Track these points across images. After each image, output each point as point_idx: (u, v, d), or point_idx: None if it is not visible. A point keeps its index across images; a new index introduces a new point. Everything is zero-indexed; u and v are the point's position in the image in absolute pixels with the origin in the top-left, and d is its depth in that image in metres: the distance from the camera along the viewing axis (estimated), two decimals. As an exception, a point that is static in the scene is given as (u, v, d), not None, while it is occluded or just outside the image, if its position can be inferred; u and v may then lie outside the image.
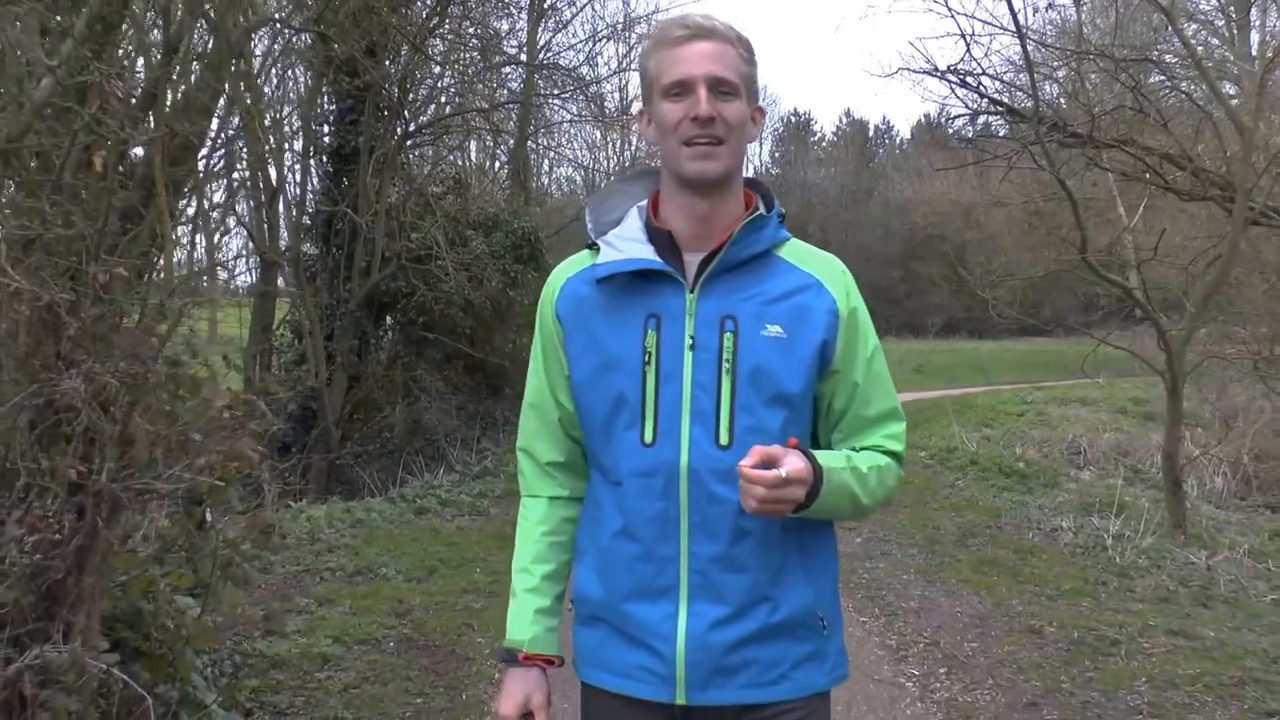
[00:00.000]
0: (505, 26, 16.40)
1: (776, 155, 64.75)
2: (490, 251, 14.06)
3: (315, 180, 14.78)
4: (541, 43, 17.60)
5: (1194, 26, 14.31)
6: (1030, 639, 6.40)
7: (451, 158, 16.74)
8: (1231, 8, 12.07)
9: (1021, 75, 9.65)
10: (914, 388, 26.51)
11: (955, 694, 5.58)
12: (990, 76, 10.68)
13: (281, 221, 13.24)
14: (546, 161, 23.85)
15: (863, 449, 2.26)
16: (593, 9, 17.68)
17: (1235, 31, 12.91)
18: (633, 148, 29.10)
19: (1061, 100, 11.48)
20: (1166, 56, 11.71)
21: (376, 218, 12.14)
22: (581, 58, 20.29)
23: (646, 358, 2.15)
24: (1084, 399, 20.96)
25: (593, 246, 2.28)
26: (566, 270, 2.32)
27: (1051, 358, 32.02)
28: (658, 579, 2.17)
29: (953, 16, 9.13)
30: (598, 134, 25.92)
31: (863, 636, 6.52)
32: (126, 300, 3.63)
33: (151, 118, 4.66)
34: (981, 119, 11.79)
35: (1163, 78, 11.54)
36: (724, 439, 2.13)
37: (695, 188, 2.17)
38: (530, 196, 18.20)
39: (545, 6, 16.94)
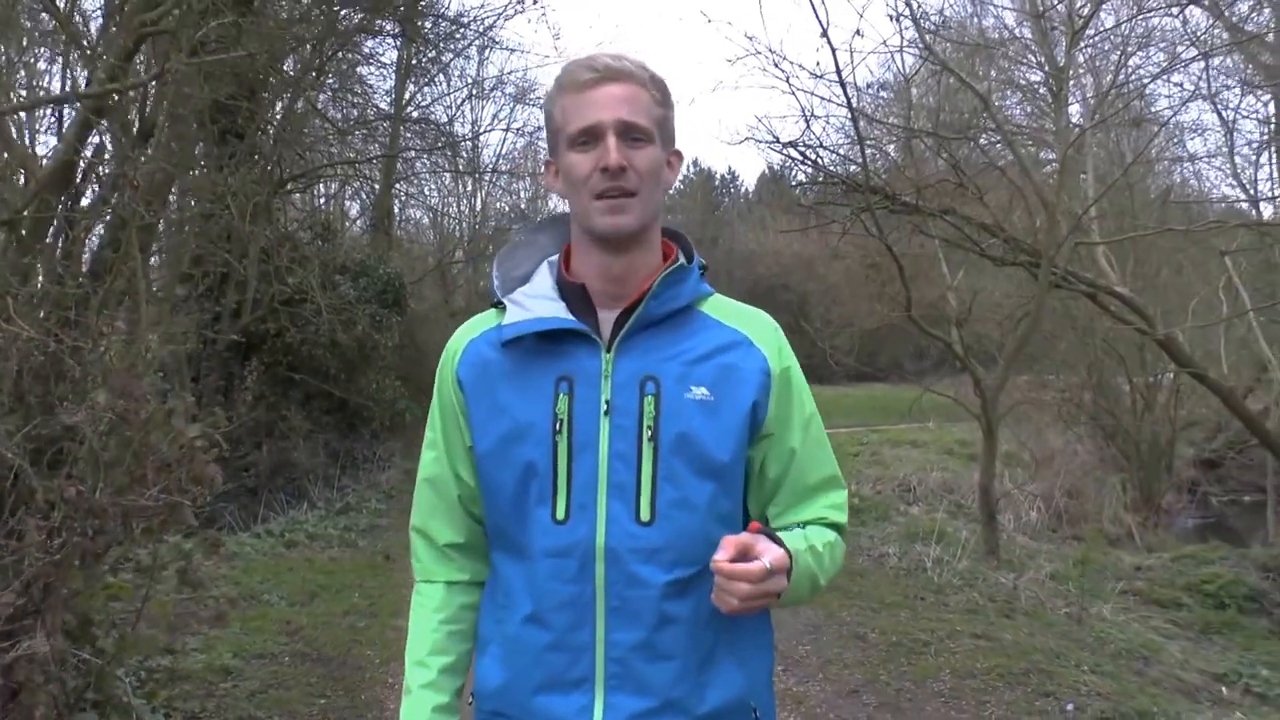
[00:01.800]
0: (375, 83, 17.06)
1: None
2: (358, 296, 14.68)
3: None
4: (408, 97, 18.36)
5: (1017, 97, 15.61)
6: (855, 642, 7.42)
7: (321, 204, 17.33)
8: (1051, 81, 13.27)
9: (856, 148, 10.70)
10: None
11: (790, 685, 6.48)
12: (827, 149, 11.78)
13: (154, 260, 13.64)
14: (408, 210, 24.48)
15: (806, 523, 2.11)
16: (460, 67, 18.23)
17: (1055, 102, 14.17)
18: (483, 192, 29.88)
19: (888, 170, 12.59)
20: (991, 129, 12.93)
21: (250, 262, 12.65)
22: (446, 113, 21.01)
23: (558, 425, 1.97)
24: (915, 441, 22.47)
25: (499, 305, 2.11)
26: (469, 332, 2.15)
27: (886, 402, 33.29)
28: (571, 669, 1.98)
29: (794, 94, 10.19)
30: (457, 184, 26.60)
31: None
32: (118, 347, 4.28)
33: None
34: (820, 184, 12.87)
35: (988, 148, 12.78)
36: (645, 515, 1.96)
37: (608, 243, 2.01)
38: (393, 243, 18.85)
39: (412, 64, 17.66)
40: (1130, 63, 13.14)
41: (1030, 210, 11.31)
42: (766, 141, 10.99)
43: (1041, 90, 14.17)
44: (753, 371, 2.03)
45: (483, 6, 13.95)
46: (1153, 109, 14.76)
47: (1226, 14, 11.55)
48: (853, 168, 10.85)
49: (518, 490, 2.01)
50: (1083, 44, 11.70)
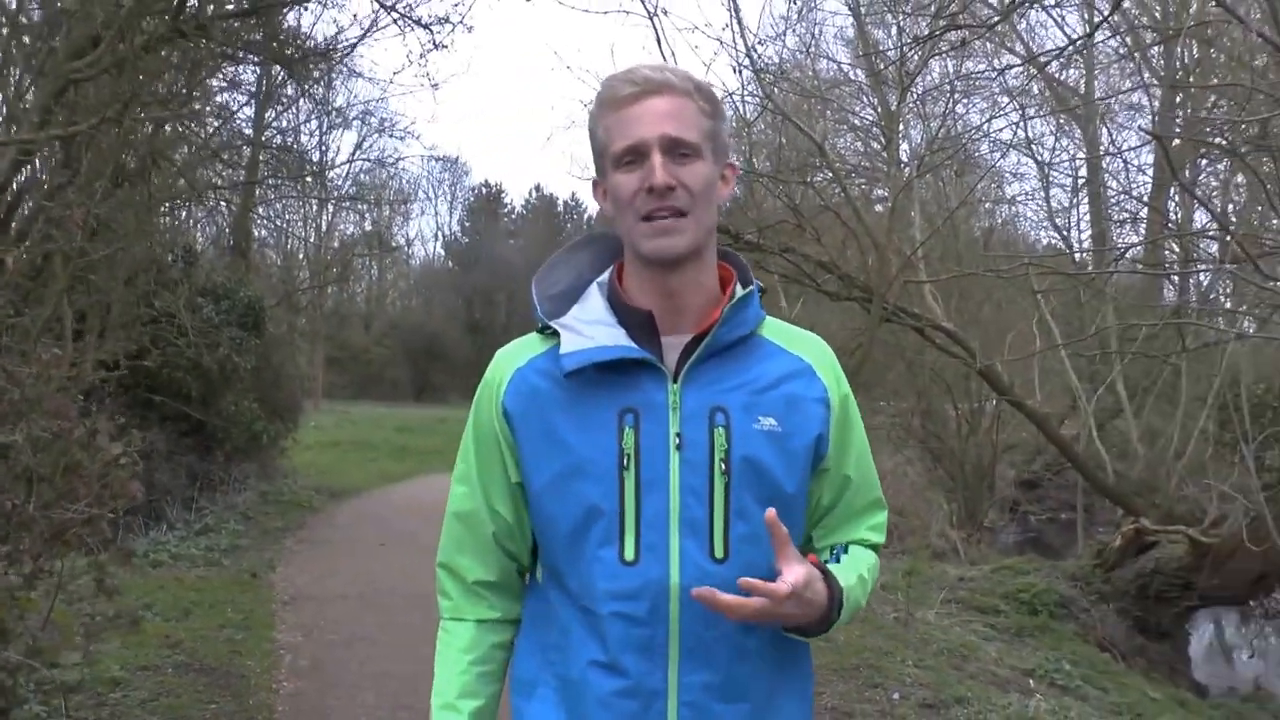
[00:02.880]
0: (236, 108, 17.30)
1: (466, 225, 65.84)
2: (221, 320, 14.90)
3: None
4: (269, 121, 18.67)
5: (852, 136, 16.52)
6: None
7: (183, 227, 17.48)
8: (883, 125, 14.15)
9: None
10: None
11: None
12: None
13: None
14: (265, 233, 24.62)
15: (850, 543, 2.10)
16: (323, 93, 18.54)
17: (887, 147, 15.05)
18: (329, 214, 30.11)
19: (731, 209, 13.35)
20: (826, 172, 13.80)
21: (116, 284, 12.82)
22: (305, 139, 21.33)
23: (625, 461, 1.88)
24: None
25: (545, 330, 2.01)
26: (514, 359, 2.02)
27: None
28: (644, 715, 1.88)
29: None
30: (303, 207, 26.81)
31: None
32: (50, 370, 4.71)
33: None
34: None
35: (825, 188, 13.63)
36: (719, 551, 1.88)
37: (659, 266, 1.91)
38: (250, 266, 19.06)
39: (274, 90, 17.96)
40: (957, 109, 14.18)
41: (863, 249, 12.21)
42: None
43: (875, 130, 15.12)
44: (816, 402, 1.98)
45: (340, 34, 14.21)
46: (977, 153, 15.64)
47: (1047, 68, 12.58)
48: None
49: (576, 529, 1.91)
50: (912, 92, 12.61)
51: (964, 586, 12.02)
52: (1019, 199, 19.18)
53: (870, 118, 15.30)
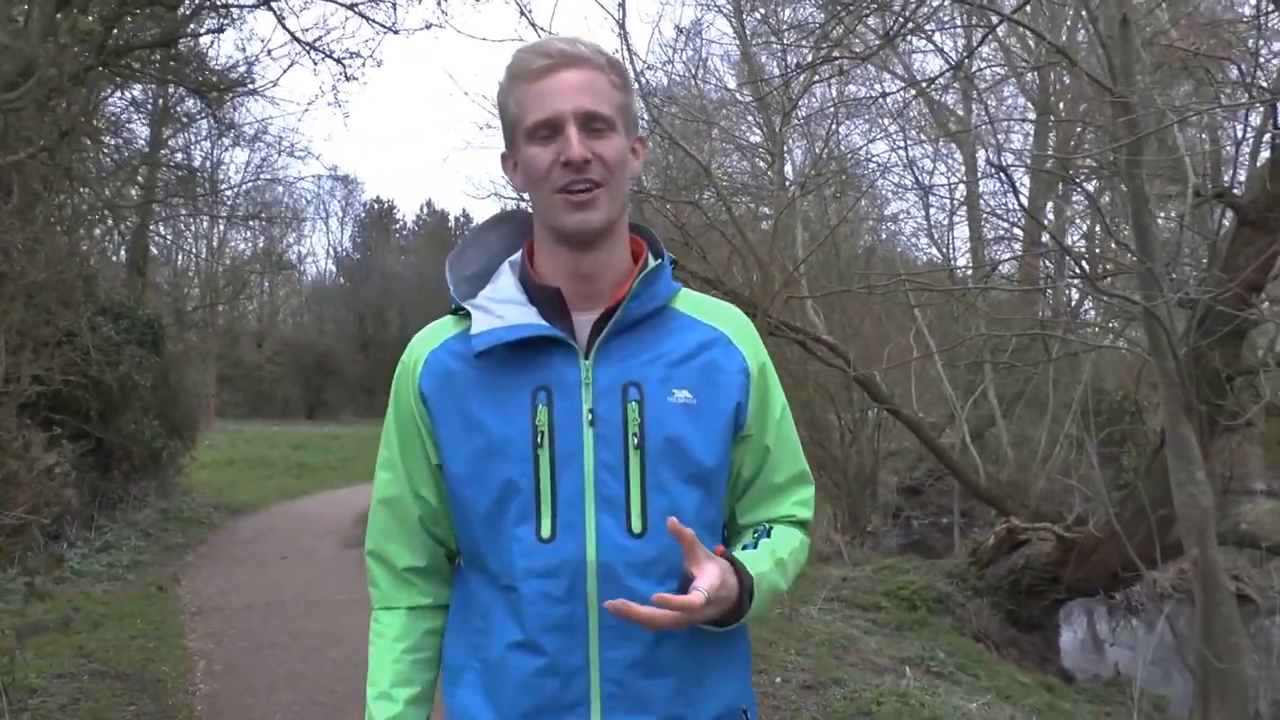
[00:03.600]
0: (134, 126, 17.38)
1: (358, 241, 65.17)
2: (122, 338, 14.98)
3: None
4: (166, 138, 18.76)
5: (738, 155, 16.97)
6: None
7: (85, 246, 17.48)
8: (768, 145, 14.63)
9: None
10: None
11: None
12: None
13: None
14: (162, 251, 24.54)
15: (772, 521, 2.07)
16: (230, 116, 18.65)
17: (771, 166, 15.52)
18: (219, 231, 30.03)
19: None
20: (712, 192, 14.30)
21: (16, 305, 12.91)
22: (206, 158, 21.42)
23: (539, 438, 1.87)
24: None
25: (458, 311, 2.00)
26: (428, 341, 2.02)
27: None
28: (565, 693, 1.88)
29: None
30: (191, 226, 26.78)
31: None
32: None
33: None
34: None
35: (710, 206, 14.13)
36: (636, 526, 1.87)
37: (575, 241, 1.91)
38: (147, 284, 19.11)
39: (170, 108, 18.08)
40: (840, 130, 14.73)
41: (747, 266, 12.77)
42: (511, 197, 12.21)
43: (761, 150, 15.57)
44: (734, 371, 1.97)
45: (249, 65, 14.46)
46: (860, 173, 16.17)
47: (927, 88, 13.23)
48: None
49: (494, 509, 1.91)
50: (796, 113, 13.16)
51: (847, 586, 12.54)
52: (900, 217, 19.80)
53: (756, 138, 15.73)
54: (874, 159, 15.21)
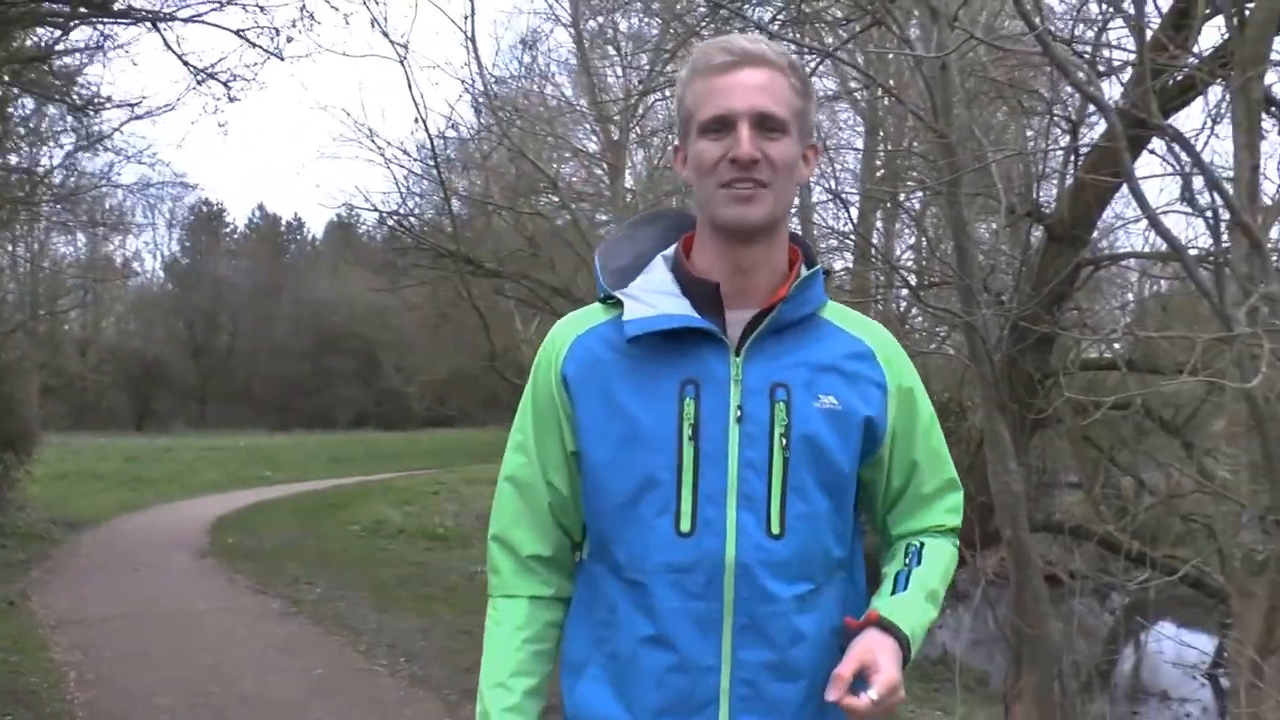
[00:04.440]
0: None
1: (187, 245, 62.93)
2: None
3: None
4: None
5: (575, 164, 17.32)
6: (463, 636, 8.97)
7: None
8: (609, 156, 15.04)
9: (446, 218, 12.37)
10: (333, 476, 28.40)
11: (415, 669, 7.96)
12: (418, 218, 13.41)
13: None
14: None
15: (925, 535, 2.07)
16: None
17: (612, 178, 15.94)
18: (39, 234, 29.25)
19: (470, 236, 14.20)
20: (558, 203, 14.71)
21: None
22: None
23: (689, 431, 1.86)
24: (489, 479, 24.03)
25: (607, 300, 1.98)
26: (573, 327, 2.01)
27: (458, 445, 35.06)
28: (696, 692, 1.85)
29: (388, 166, 11.65)
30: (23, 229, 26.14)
31: (340, 645, 8.77)
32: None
33: None
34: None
35: (554, 214, 14.57)
36: (775, 527, 1.86)
37: (734, 235, 1.90)
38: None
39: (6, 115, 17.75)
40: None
41: (592, 274, 13.24)
42: (366, 209, 12.52)
43: (600, 159, 15.95)
44: (873, 385, 1.97)
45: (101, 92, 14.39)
46: None
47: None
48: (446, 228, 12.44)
49: (631, 499, 1.88)
50: (635, 122, 13.61)
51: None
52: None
53: (594, 145, 16.04)
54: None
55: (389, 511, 18.71)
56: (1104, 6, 6.69)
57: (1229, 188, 3.75)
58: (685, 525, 1.84)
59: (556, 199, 13.97)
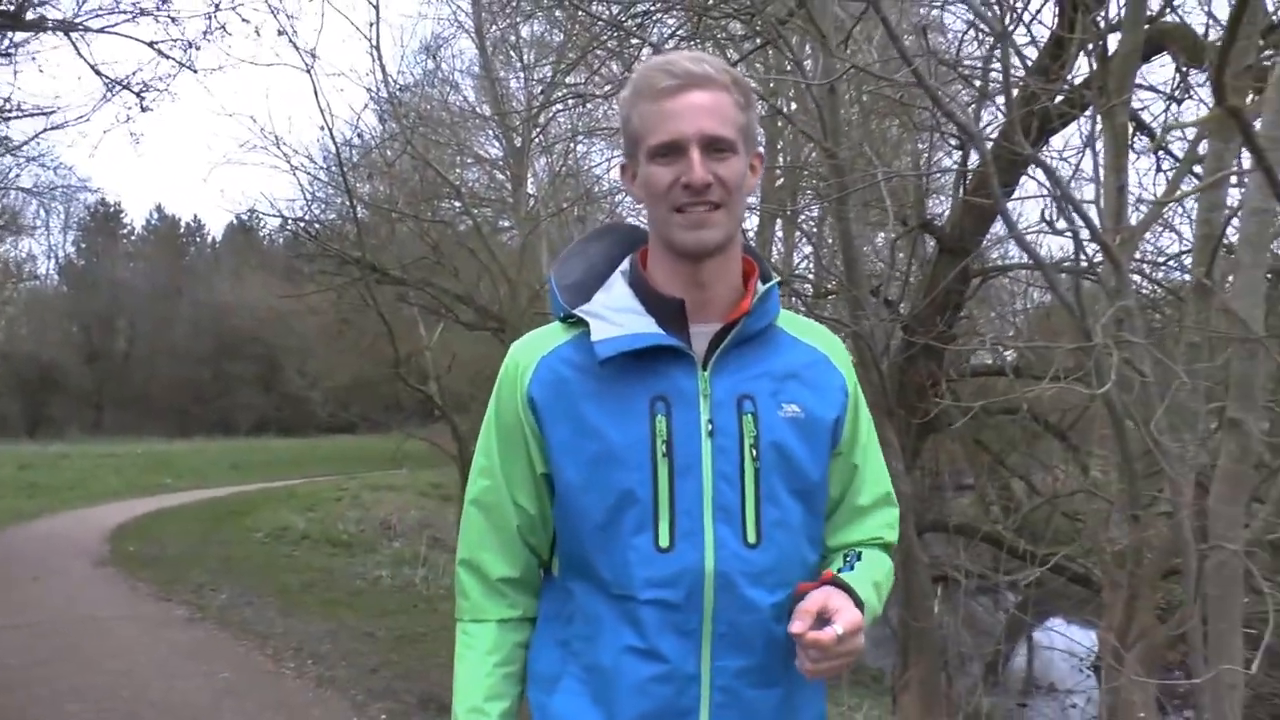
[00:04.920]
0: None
1: (82, 247, 61.82)
2: None
3: None
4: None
5: (478, 170, 17.38)
6: (367, 638, 9.13)
7: None
8: (511, 163, 15.17)
9: (351, 225, 12.49)
10: (234, 483, 28.15)
11: (321, 671, 8.04)
12: (324, 225, 13.49)
13: None
14: None
15: (860, 544, 2.09)
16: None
17: (514, 186, 16.10)
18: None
19: (375, 243, 14.29)
20: (463, 213, 14.83)
21: None
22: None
23: (662, 448, 1.88)
24: (391, 485, 24.31)
25: (568, 319, 1.99)
26: (536, 348, 2.00)
27: (360, 452, 34.91)
28: (679, 700, 1.89)
29: (294, 173, 11.75)
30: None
31: (247, 650, 8.83)
32: None
33: None
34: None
35: (455, 221, 14.68)
36: (752, 537, 1.89)
37: (691, 257, 1.92)
38: None
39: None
40: (580, 149, 15.30)
41: (496, 283, 13.45)
42: (272, 215, 12.57)
43: (503, 164, 16.03)
44: (835, 390, 2.01)
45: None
46: (600, 190, 16.16)
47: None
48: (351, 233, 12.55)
49: (609, 518, 1.90)
50: (538, 132, 13.76)
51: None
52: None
53: (496, 150, 16.09)
54: (613, 177, 15.83)
55: (292, 518, 18.62)
56: (981, 38, 7.02)
57: (1091, 210, 4.04)
58: (664, 540, 1.87)
59: (459, 205, 14.12)
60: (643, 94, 1.89)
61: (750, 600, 1.86)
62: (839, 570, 1.95)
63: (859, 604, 1.82)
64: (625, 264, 2.05)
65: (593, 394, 1.91)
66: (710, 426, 1.88)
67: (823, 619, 1.76)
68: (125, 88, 12.25)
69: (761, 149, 2.04)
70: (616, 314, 1.93)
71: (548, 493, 1.98)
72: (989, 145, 6.89)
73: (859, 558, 2.01)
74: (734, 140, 1.87)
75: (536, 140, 14.07)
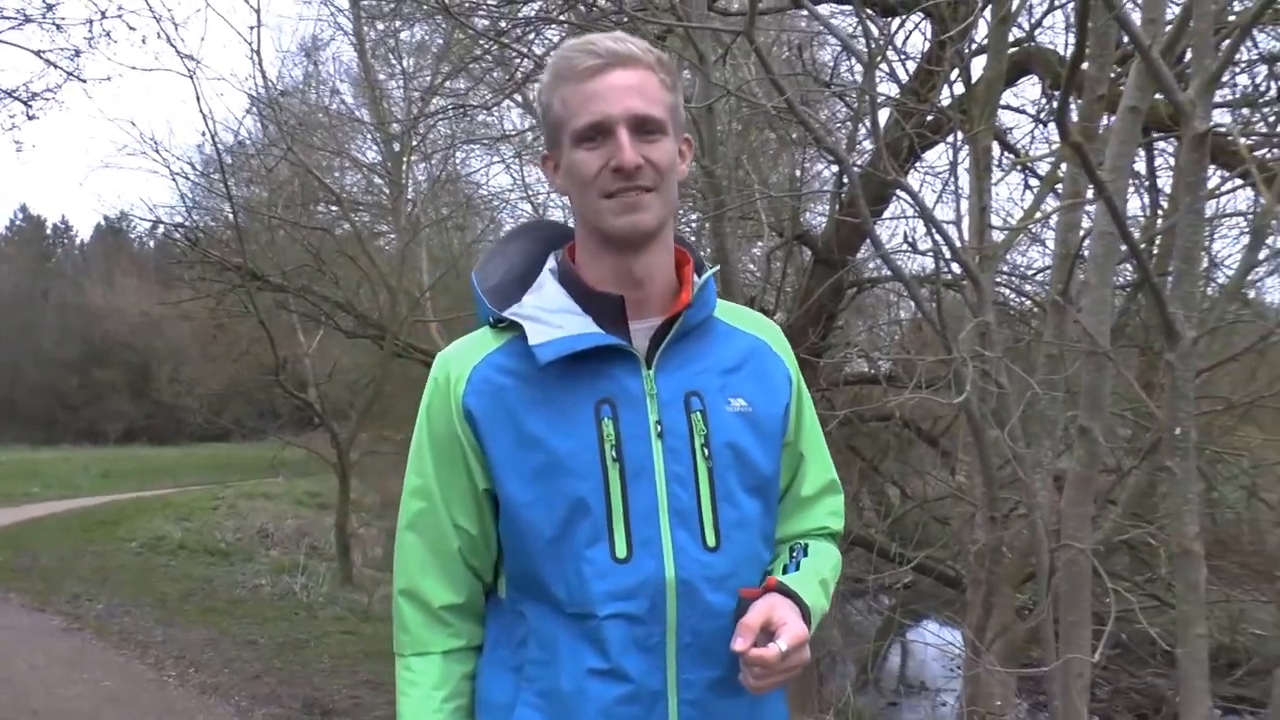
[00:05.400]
0: None
1: None
2: None
3: None
4: None
5: (359, 174, 17.26)
6: (250, 646, 9.18)
7: None
8: (389, 169, 15.13)
9: (232, 231, 12.43)
10: (105, 492, 27.60)
11: (204, 679, 8.06)
12: (204, 232, 13.40)
13: None
14: None
15: (806, 534, 2.03)
16: None
17: (393, 192, 16.05)
18: None
19: (252, 249, 14.18)
20: (343, 221, 14.77)
21: None
22: None
23: (612, 453, 1.77)
24: (267, 494, 24.13)
25: (498, 324, 1.88)
26: (467, 356, 1.87)
27: (235, 460, 34.35)
28: (646, 719, 1.79)
29: (173, 179, 11.64)
30: None
31: (128, 659, 8.77)
32: None
33: None
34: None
35: (334, 225, 14.62)
36: (710, 540, 1.80)
37: (624, 245, 1.81)
38: None
39: None
40: (459, 155, 15.08)
41: (376, 291, 13.46)
42: (151, 221, 12.44)
43: (380, 168, 15.94)
44: (780, 379, 1.94)
45: None
46: (480, 195, 16.06)
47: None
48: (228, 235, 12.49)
49: (559, 531, 1.78)
50: (420, 141, 13.83)
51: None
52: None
53: (374, 154, 16.01)
54: (493, 185, 15.91)
55: (168, 527, 18.38)
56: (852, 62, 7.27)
57: (951, 230, 4.29)
58: (621, 551, 1.76)
59: (337, 211, 14.06)
60: (563, 77, 1.80)
61: (712, 606, 1.78)
62: (784, 569, 1.90)
63: (804, 610, 1.76)
64: (551, 261, 1.95)
65: (533, 401, 1.80)
66: (659, 428, 1.80)
67: (767, 632, 1.69)
68: (15, 98, 12.05)
69: (689, 136, 1.94)
70: (552, 315, 1.82)
71: (490, 510, 1.88)
72: (861, 165, 7.20)
73: (805, 552, 1.96)
74: (663, 121, 1.79)
75: (416, 146, 14.06)
